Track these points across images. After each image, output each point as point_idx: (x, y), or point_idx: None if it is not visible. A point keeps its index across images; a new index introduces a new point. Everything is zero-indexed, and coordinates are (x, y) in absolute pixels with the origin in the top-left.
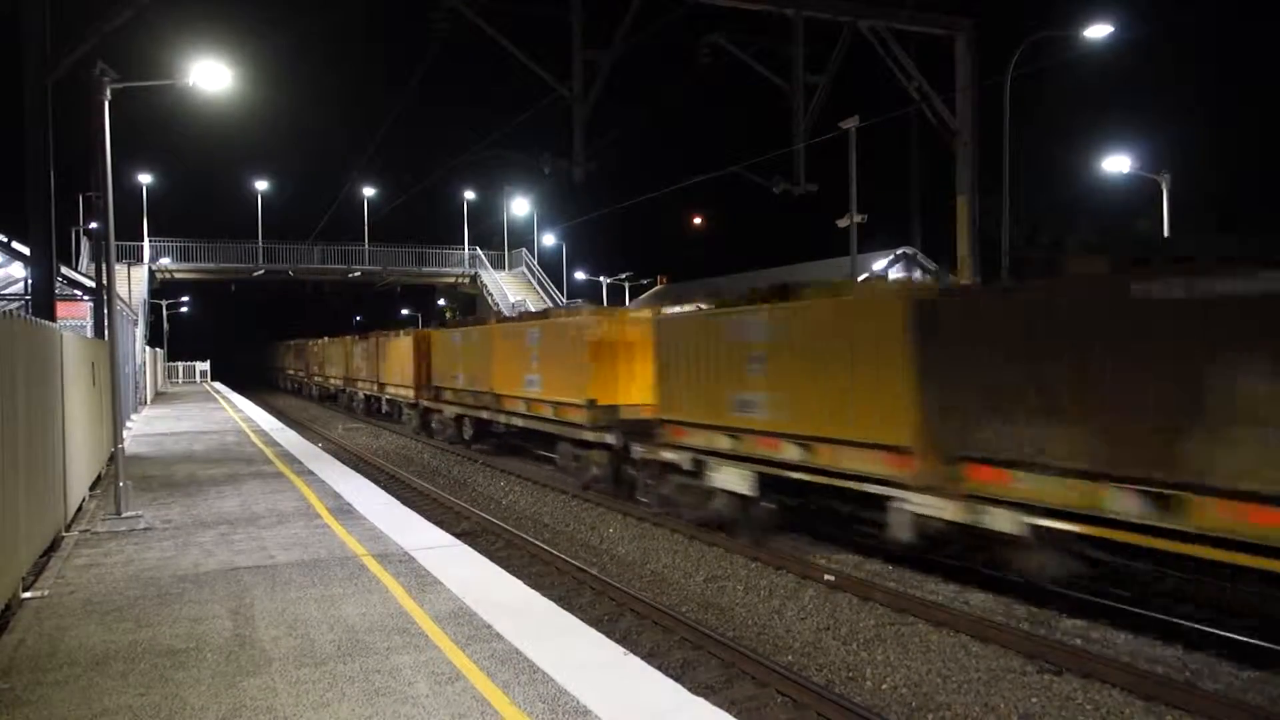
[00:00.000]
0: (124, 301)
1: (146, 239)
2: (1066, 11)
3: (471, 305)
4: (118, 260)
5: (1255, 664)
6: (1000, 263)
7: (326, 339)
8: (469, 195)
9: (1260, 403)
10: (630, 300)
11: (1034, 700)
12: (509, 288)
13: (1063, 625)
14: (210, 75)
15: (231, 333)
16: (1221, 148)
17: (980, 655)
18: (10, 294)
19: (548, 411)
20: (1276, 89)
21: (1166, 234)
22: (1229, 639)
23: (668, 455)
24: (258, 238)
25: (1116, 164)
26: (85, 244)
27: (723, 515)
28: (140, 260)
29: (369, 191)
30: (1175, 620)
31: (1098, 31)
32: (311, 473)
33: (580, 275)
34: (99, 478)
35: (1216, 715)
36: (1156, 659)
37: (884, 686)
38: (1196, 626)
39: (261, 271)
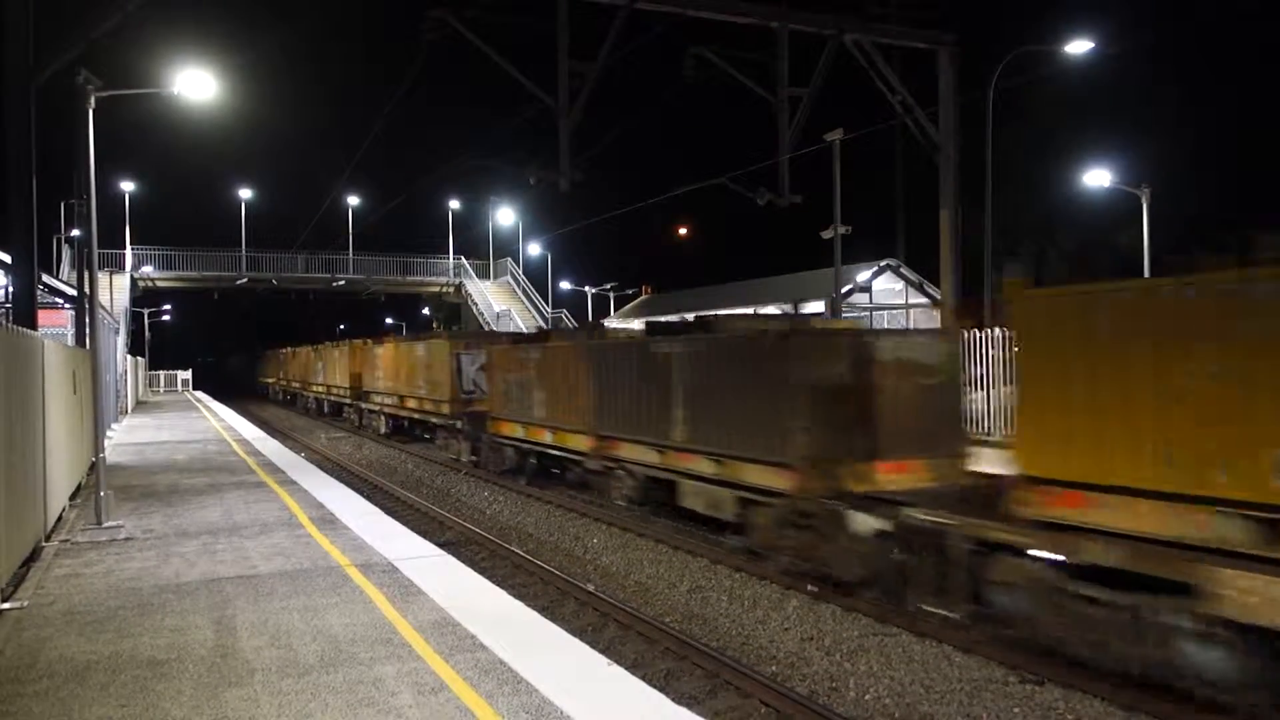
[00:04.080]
0: (106, 310)
1: (129, 246)
2: (1050, 26)
3: (456, 314)
4: (100, 268)
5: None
6: (983, 274)
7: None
8: (454, 205)
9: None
10: (615, 310)
11: (1016, 710)
12: (494, 297)
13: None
14: (195, 84)
15: (214, 342)
16: (1203, 161)
17: (963, 665)
18: None
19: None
20: (1260, 101)
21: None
22: None
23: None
24: (241, 246)
25: (1097, 178)
26: (67, 251)
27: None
28: (122, 268)
29: (354, 200)
30: None
31: (1079, 47)
32: (294, 482)
33: (566, 285)
34: (79, 487)
35: None
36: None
37: (867, 697)
38: None
39: (245, 280)
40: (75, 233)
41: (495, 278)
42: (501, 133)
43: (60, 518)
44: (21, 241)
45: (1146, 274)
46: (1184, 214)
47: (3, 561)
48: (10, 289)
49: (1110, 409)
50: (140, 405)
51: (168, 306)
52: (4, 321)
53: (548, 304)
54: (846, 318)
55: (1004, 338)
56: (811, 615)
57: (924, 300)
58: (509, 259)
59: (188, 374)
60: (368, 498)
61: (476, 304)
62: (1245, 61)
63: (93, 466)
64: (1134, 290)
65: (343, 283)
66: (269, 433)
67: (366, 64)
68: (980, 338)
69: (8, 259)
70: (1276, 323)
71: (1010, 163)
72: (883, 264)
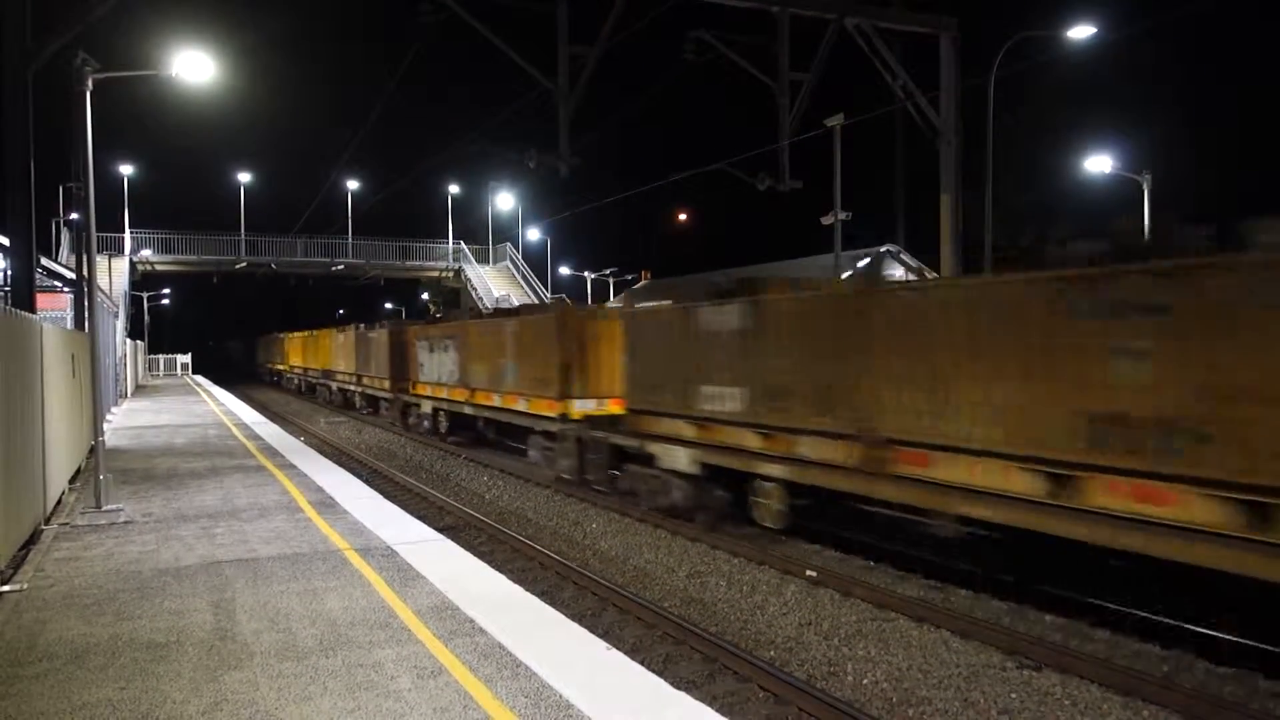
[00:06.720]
0: (105, 293)
1: (128, 230)
2: (1052, 11)
3: (455, 299)
4: (98, 251)
5: (1230, 661)
6: (983, 259)
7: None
8: (454, 189)
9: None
10: (614, 295)
11: (1013, 696)
12: (493, 282)
13: (1043, 622)
14: (193, 66)
15: (213, 326)
16: (1205, 147)
17: (960, 651)
18: None
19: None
20: (1261, 89)
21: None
22: (1205, 635)
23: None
24: (240, 230)
25: (1098, 164)
26: (65, 235)
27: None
28: (121, 252)
29: (353, 185)
30: (1153, 617)
31: (1081, 32)
32: (294, 466)
33: (565, 270)
34: (79, 470)
35: (1193, 711)
36: (1135, 655)
37: (865, 682)
38: (1174, 624)
39: (244, 264)
40: (74, 216)
41: (495, 263)
42: (501, 117)
43: (59, 501)
44: (20, 225)
45: None
46: (1185, 200)
47: (2, 544)
48: (9, 272)
49: None
50: (140, 389)
51: (167, 290)
52: (3, 305)
53: (547, 289)
54: None
55: None
56: (810, 600)
57: None
58: (508, 244)
59: (187, 358)
60: (367, 482)
61: (476, 289)
62: (1247, 49)
63: (92, 450)
64: None
65: (341, 267)
66: (268, 417)
67: (366, 47)
68: None
69: (6, 242)
70: None
71: (1014, 147)
72: (883, 250)
